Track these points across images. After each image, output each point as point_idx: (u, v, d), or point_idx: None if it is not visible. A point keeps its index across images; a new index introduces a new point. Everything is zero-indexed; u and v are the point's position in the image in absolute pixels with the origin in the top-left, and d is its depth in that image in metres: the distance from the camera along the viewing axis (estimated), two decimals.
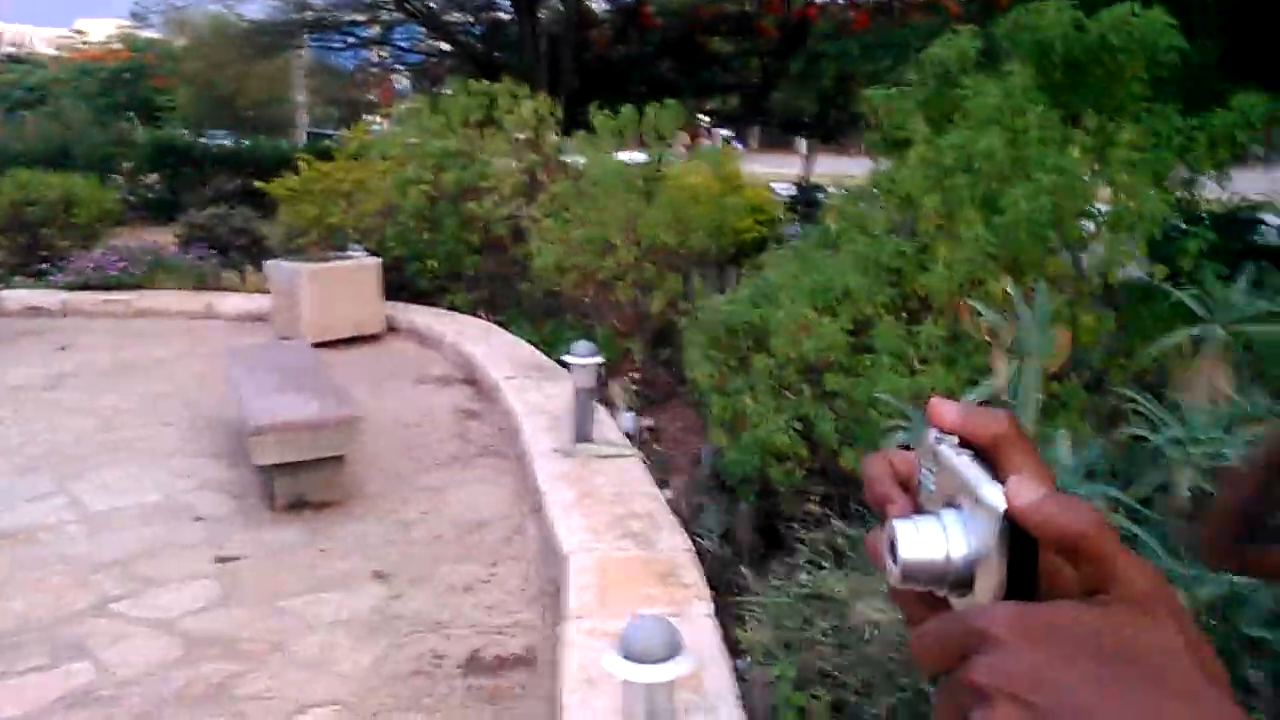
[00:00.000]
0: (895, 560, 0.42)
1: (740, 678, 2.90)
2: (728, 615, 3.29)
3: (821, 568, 3.28)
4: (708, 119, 16.06)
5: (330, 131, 17.50)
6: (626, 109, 7.41)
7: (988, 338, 3.54)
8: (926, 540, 0.41)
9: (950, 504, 0.42)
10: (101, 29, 22.51)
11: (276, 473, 4.58)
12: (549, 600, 3.68)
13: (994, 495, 0.39)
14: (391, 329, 8.30)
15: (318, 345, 7.01)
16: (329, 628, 3.58)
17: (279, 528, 4.44)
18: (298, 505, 4.59)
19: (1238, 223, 8.85)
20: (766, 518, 4.00)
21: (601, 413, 5.14)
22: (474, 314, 8.42)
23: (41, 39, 27.73)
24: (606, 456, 4.57)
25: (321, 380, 5.32)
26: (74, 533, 4.39)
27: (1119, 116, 4.16)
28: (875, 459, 0.49)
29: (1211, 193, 5.17)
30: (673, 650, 2.11)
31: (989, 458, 0.43)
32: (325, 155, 9.95)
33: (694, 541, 3.76)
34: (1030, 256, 3.67)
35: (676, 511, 4.02)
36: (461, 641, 3.51)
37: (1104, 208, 3.96)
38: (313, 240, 8.58)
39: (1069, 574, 0.39)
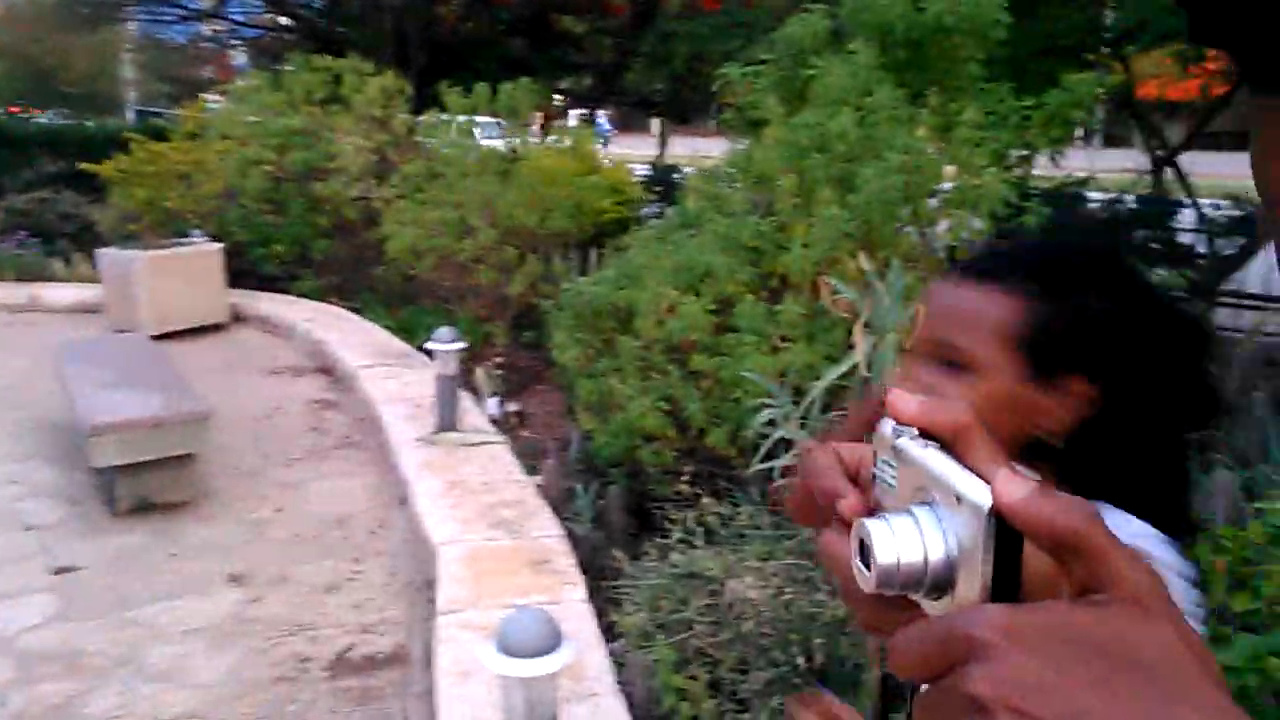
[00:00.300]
0: (869, 565, 0.39)
1: (618, 662, 2.90)
2: (603, 599, 3.28)
3: (694, 547, 3.30)
4: (561, 99, 15.93)
5: (163, 110, 16.53)
6: (480, 87, 7.26)
7: (846, 314, 3.63)
8: (902, 541, 0.38)
9: (919, 501, 0.40)
10: None
11: (118, 475, 4.30)
12: (418, 595, 3.58)
13: (978, 491, 0.37)
14: (237, 318, 7.93)
15: (158, 337, 6.64)
16: (183, 637, 3.40)
17: (123, 533, 4.17)
18: (143, 508, 4.33)
19: (1064, 198, 9.38)
20: (637, 499, 4.00)
21: (466, 399, 5.04)
22: (325, 300, 8.12)
23: None
24: (474, 444, 4.48)
25: (164, 374, 5.03)
26: None
27: (960, 96, 4.31)
28: (821, 450, 0.47)
29: (1037, 168, 5.43)
30: (552, 642, 2.08)
31: (950, 450, 0.41)
32: (159, 135, 9.38)
33: (566, 526, 3.73)
34: (883, 234, 3.77)
35: (548, 497, 3.98)
36: (327, 643, 3.38)
37: (949, 185, 4.11)
38: (148, 226, 8.09)
39: (1051, 571, 0.37)
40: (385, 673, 3.24)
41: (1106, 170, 13.52)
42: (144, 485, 4.35)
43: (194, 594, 3.67)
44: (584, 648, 2.86)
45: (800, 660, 2.80)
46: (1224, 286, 8.59)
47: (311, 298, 8.18)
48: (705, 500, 3.43)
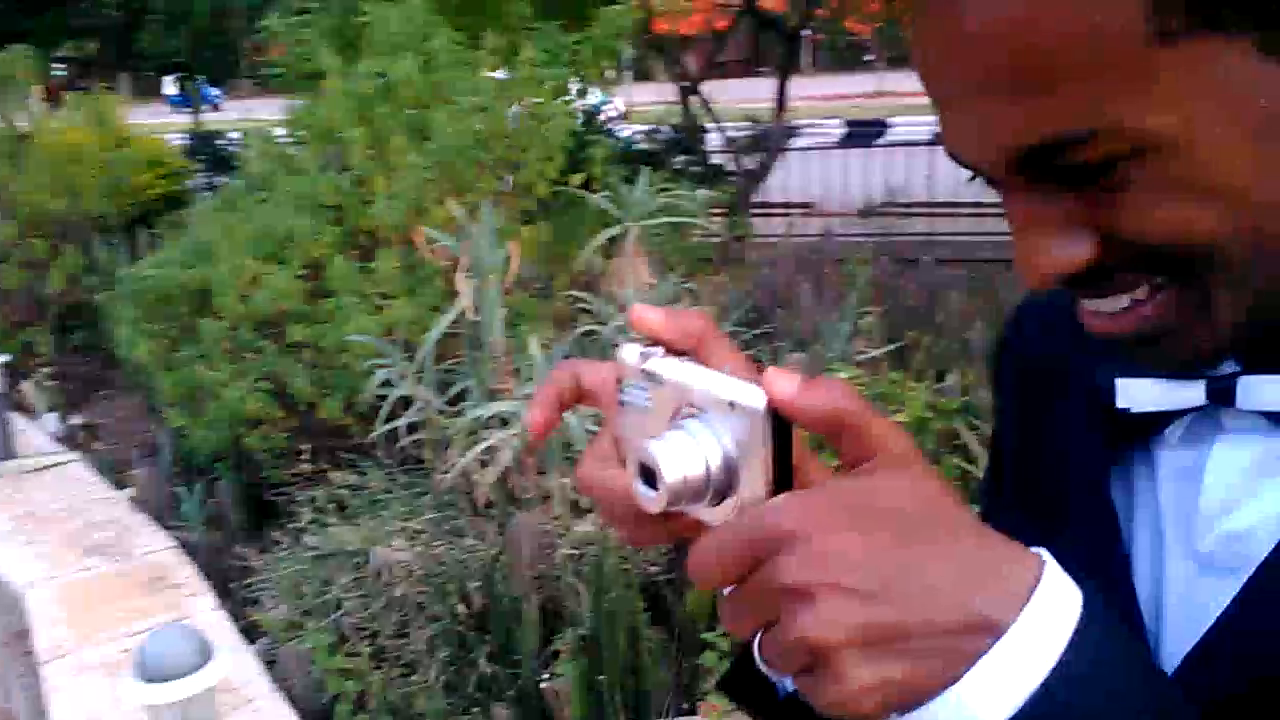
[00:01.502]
0: (656, 486, 0.39)
1: (268, 660, 2.71)
2: (237, 603, 3.05)
3: (327, 525, 3.16)
4: (65, 67, 14.02)
5: None
6: None
7: (444, 262, 3.61)
8: (683, 457, 0.38)
9: (685, 415, 0.40)
10: None
11: None
12: (8, 651, 3.09)
13: (749, 394, 0.38)
14: None
15: None
16: None
17: None
18: None
19: (611, 131, 9.95)
20: (253, 490, 3.74)
21: (19, 421, 4.36)
22: None
23: None
24: (41, 468, 3.90)
25: None
26: None
27: (515, 37, 4.41)
28: (560, 371, 0.47)
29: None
30: (202, 656, 1.89)
31: (696, 357, 0.42)
32: None
33: (176, 536, 3.39)
34: (467, 179, 3.79)
35: (148, 509, 3.58)
36: None
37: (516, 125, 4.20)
38: None
39: (811, 454, 0.39)
40: None
41: (643, 103, 14.56)
42: None
43: None
44: (230, 656, 2.64)
45: (460, 607, 2.80)
46: (754, 197, 9.66)
47: None
48: (332, 475, 3.29)
